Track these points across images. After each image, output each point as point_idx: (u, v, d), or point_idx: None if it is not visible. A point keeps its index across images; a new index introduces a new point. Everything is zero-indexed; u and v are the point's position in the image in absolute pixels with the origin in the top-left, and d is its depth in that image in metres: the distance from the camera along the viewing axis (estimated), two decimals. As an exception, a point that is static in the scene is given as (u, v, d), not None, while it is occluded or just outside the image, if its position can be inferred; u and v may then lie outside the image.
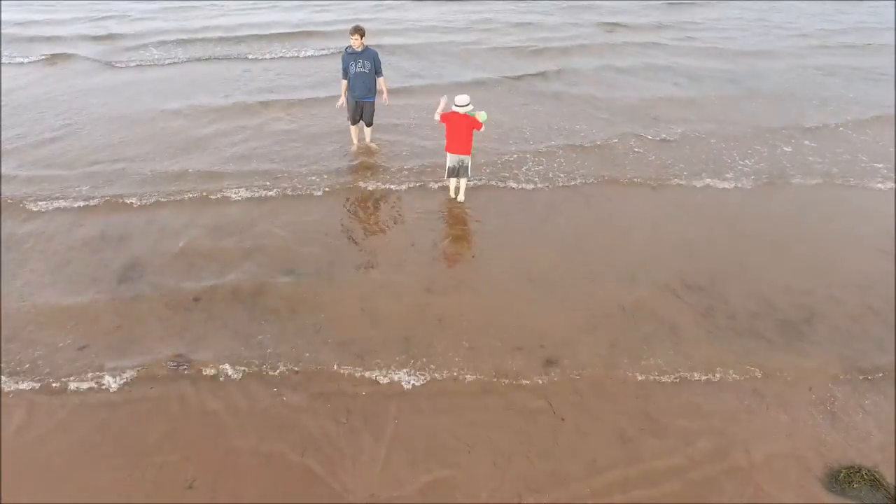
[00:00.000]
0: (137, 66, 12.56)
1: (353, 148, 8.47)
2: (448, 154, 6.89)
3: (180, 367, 4.63)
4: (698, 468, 3.95)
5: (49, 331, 5.02)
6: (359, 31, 7.62)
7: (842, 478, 3.90)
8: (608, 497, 3.75)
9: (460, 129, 6.69)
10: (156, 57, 13.12)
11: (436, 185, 7.47)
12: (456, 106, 6.66)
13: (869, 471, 3.93)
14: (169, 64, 12.72)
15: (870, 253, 6.36)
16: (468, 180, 7.12)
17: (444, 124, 6.81)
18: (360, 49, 7.67)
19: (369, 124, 8.33)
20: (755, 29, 16.60)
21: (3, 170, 7.76)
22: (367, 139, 8.53)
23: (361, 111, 8.13)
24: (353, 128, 8.39)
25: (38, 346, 4.86)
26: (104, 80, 11.64)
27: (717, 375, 4.68)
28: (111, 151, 8.39)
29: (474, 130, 6.75)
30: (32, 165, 7.95)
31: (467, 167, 6.92)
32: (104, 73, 12.10)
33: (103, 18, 16.71)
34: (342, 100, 8.05)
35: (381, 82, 8.01)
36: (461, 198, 7.10)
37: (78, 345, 4.87)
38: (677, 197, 7.48)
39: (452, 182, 7.14)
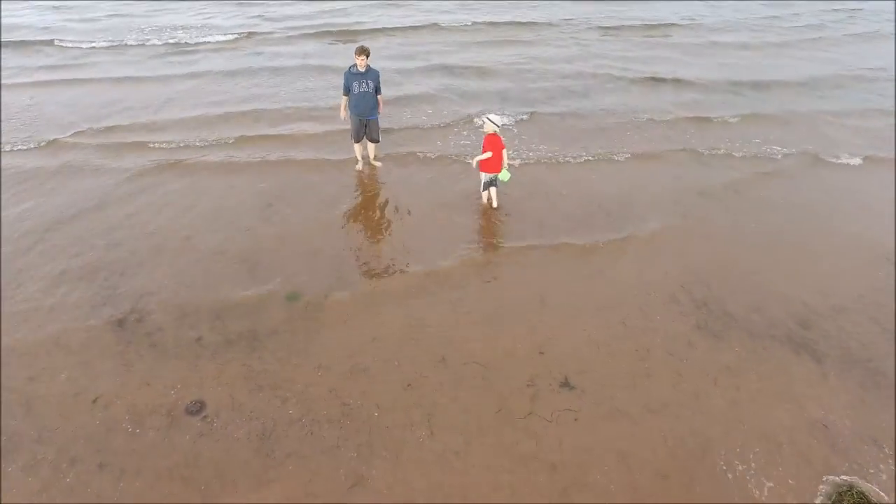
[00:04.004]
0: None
1: (359, 166, 8.65)
2: (487, 173, 7.34)
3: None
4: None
5: None
6: (365, 52, 7.78)
7: (833, 499, 4.13)
8: None
9: (500, 150, 7.19)
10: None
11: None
12: (494, 124, 7.15)
13: (860, 491, 4.16)
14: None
15: None
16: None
17: (490, 151, 7.17)
18: (364, 70, 7.84)
19: (375, 141, 8.50)
20: None
21: None
22: (372, 157, 8.70)
23: (366, 128, 8.30)
24: (356, 146, 8.54)
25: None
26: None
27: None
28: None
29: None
30: None
31: (498, 179, 7.40)
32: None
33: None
34: (344, 113, 8.26)
35: (379, 99, 8.21)
36: (495, 203, 7.60)
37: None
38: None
39: (485, 195, 7.61)
